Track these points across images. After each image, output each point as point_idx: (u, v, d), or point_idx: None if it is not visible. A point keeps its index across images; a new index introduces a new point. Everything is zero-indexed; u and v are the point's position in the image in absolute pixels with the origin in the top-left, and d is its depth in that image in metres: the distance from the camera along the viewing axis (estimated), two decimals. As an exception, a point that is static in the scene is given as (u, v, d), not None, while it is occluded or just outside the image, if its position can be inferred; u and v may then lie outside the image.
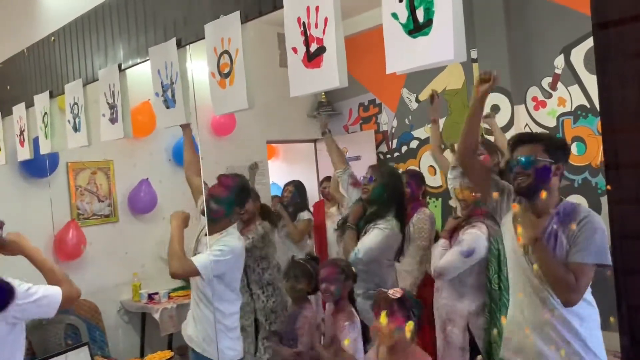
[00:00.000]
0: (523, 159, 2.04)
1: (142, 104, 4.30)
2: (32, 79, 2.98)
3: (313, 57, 1.60)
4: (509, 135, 4.65)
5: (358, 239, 3.06)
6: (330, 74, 1.56)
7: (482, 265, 2.76)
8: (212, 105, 1.95)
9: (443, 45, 1.31)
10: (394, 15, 1.40)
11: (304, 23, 1.62)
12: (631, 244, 1.06)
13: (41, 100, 2.84)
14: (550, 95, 4.56)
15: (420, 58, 1.36)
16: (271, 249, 3.82)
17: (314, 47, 1.59)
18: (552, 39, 4.47)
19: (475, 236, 2.70)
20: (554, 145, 2.08)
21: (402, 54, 1.40)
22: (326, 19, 1.55)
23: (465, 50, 1.32)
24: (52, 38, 2.78)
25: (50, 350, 3.69)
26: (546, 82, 4.57)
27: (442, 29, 1.31)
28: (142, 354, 4.41)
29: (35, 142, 3.00)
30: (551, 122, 4.56)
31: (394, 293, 2.27)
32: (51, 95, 2.80)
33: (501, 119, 4.69)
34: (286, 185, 5.06)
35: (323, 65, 1.57)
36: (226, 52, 1.89)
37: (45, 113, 2.83)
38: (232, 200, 2.65)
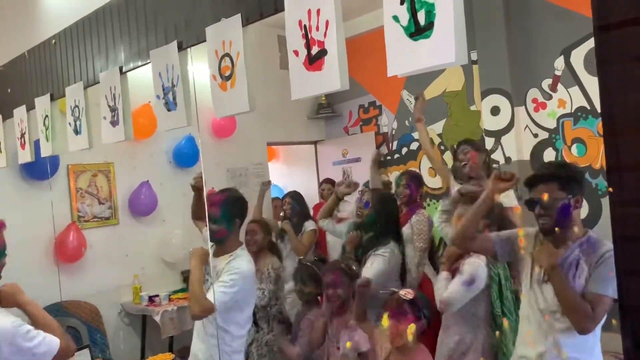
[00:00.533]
0: (542, 201, 2.03)
1: (143, 106, 4.30)
2: (33, 81, 2.98)
3: (314, 60, 1.60)
4: (509, 139, 4.68)
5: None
6: (332, 77, 1.56)
7: (486, 293, 2.74)
8: (214, 108, 1.95)
9: (444, 48, 1.31)
10: (395, 18, 1.40)
11: (305, 26, 1.62)
12: (633, 245, 1.06)
13: (42, 102, 2.85)
14: (550, 97, 4.57)
15: (422, 61, 1.36)
16: (281, 287, 3.75)
17: (315, 50, 1.59)
18: (552, 40, 4.48)
19: (475, 265, 2.64)
20: (569, 179, 2.07)
21: (404, 57, 1.40)
22: (327, 22, 1.55)
23: (467, 53, 1.32)
24: (53, 41, 2.78)
25: (51, 353, 3.69)
26: (546, 83, 4.57)
27: (443, 32, 1.31)
28: (143, 356, 4.41)
29: (36, 145, 3.00)
30: (551, 124, 4.56)
31: (406, 294, 2.30)
32: (52, 98, 2.81)
33: (501, 121, 4.70)
34: (284, 197, 5.03)
35: (324, 68, 1.57)
36: (227, 54, 1.89)
37: (46, 116, 2.83)
38: (228, 213, 2.53)
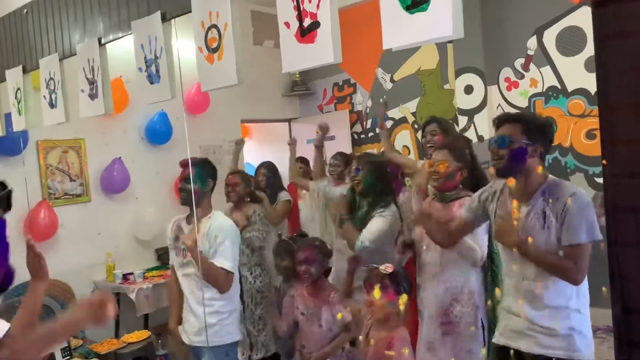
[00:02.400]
0: (498, 139, 2.04)
1: (114, 80, 4.17)
2: (3, 53, 2.87)
3: (307, 32, 1.59)
4: (481, 117, 4.76)
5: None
6: (325, 50, 1.55)
7: None
8: (199, 81, 1.93)
9: (441, 21, 1.32)
10: (392, -9, 1.40)
11: (297, -3, 1.60)
12: (624, 216, 1.10)
13: (13, 75, 2.75)
14: (522, 76, 4.65)
15: (418, 34, 1.37)
16: (263, 238, 3.83)
17: (307, 21, 1.58)
18: (525, 20, 4.54)
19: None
20: (533, 125, 2.06)
21: (399, 30, 1.41)
22: (320, -6, 1.54)
23: (462, 27, 1.34)
24: (25, 10, 2.67)
25: (24, 332, 3.62)
26: (519, 63, 4.65)
27: (440, 5, 1.32)
28: (117, 334, 4.37)
29: (7, 119, 2.91)
30: (523, 103, 4.65)
31: (386, 268, 2.32)
32: (24, 70, 2.71)
33: (474, 99, 4.77)
34: (258, 168, 5.02)
35: (317, 40, 1.57)
36: (214, 26, 1.86)
37: (18, 89, 2.74)
38: (202, 173, 2.74)
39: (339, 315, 2.51)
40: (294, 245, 3.09)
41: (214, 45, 1.86)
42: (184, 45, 2.06)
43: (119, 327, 4.50)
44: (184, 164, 2.78)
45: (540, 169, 2.07)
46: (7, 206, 0.91)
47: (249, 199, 3.85)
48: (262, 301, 3.71)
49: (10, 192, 0.70)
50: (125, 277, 4.41)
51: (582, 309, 2.05)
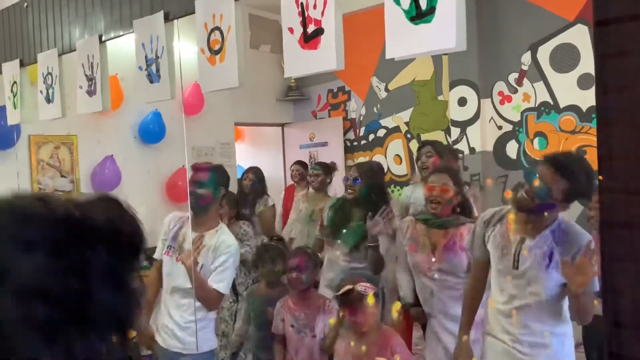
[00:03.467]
0: (541, 191, 1.96)
1: (109, 78, 4.17)
2: (1, 46, 2.85)
3: (310, 38, 1.60)
4: (474, 130, 4.79)
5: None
6: (328, 56, 1.57)
7: None
8: (200, 82, 1.93)
9: (445, 33, 1.34)
10: (397, 1, 1.42)
11: (301, 3, 1.62)
12: (619, 231, 1.12)
13: (10, 68, 2.74)
14: (515, 91, 4.70)
15: (421, 45, 1.39)
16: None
17: (311, 28, 1.60)
18: (520, 35, 4.60)
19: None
20: (578, 185, 1.97)
21: (403, 40, 1.42)
22: (325, 1, 1.56)
23: (465, 40, 1.36)
24: (25, 4, 2.66)
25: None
26: (513, 77, 4.70)
27: (444, 17, 1.34)
28: (102, 334, 4.33)
29: (2, 113, 2.89)
30: (515, 117, 4.70)
31: (366, 290, 2.33)
32: (22, 64, 2.70)
33: (467, 112, 4.81)
34: (245, 172, 5.01)
35: (320, 46, 1.58)
36: (217, 28, 1.87)
37: (15, 82, 2.72)
38: (215, 179, 2.60)
39: (331, 321, 2.51)
40: (282, 249, 3.08)
41: (217, 47, 1.87)
42: (183, 46, 2.07)
43: (104, 326, 4.47)
44: (195, 168, 2.68)
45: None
46: None
47: (234, 218, 3.81)
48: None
49: None
50: (112, 275, 4.37)
51: (567, 333, 2.10)
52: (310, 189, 4.42)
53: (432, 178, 2.69)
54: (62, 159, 4.40)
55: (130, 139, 4.89)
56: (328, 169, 4.29)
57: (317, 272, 2.89)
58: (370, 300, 2.25)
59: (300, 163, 4.94)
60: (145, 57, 2.11)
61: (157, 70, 2.08)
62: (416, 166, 3.79)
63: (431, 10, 1.36)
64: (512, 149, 4.72)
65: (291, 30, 1.65)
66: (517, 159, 4.68)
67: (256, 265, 3.27)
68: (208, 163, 2.76)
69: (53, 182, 4.34)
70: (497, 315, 2.15)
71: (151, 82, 2.12)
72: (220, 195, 2.67)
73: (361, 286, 2.36)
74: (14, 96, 2.73)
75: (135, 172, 4.78)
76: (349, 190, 3.11)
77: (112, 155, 4.61)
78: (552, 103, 4.51)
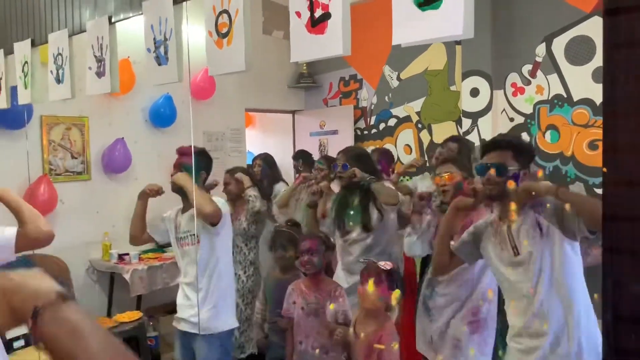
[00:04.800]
0: (494, 167, 2.08)
1: (121, 61, 4.17)
2: (13, 25, 2.86)
3: (317, 23, 1.59)
4: (485, 121, 4.76)
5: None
6: (334, 41, 1.55)
7: None
8: (207, 65, 1.93)
9: (452, 20, 1.32)
10: (405, -13, 1.40)
11: (309, -13, 1.60)
12: (622, 224, 1.11)
13: (22, 48, 2.74)
14: (529, 82, 4.65)
15: (428, 32, 1.37)
16: (262, 227, 3.86)
17: (318, 12, 1.58)
18: (535, 27, 4.54)
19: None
20: (522, 151, 2.14)
21: (410, 27, 1.41)
22: (333, -15, 1.54)
23: (473, 26, 1.34)
24: (37, -16, 2.67)
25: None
26: (526, 69, 4.65)
27: (452, 4, 1.32)
28: (110, 314, 4.39)
29: (13, 92, 2.90)
30: (528, 109, 4.66)
31: (385, 265, 2.35)
32: (33, 44, 2.70)
33: (480, 103, 4.77)
34: (254, 159, 5.03)
35: (327, 31, 1.57)
36: (225, 11, 1.86)
37: (26, 62, 2.73)
38: (197, 163, 2.72)
39: (331, 306, 2.52)
40: (295, 235, 3.09)
41: (224, 30, 1.86)
42: (193, 29, 2.06)
43: (112, 307, 4.53)
44: (179, 152, 2.78)
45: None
46: None
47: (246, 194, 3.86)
48: (252, 301, 3.71)
49: None
50: (120, 257, 4.42)
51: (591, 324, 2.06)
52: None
53: (438, 170, 2.76)
54: (73, 140, 4.43)
55: (141, 122, 4.91)
56: (332, 162, 4.29)
57: (328, 255, 2.88)
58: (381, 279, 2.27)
59: (302, 152, 4.96)
60: (154, 39, 2.11)
61: (166, 52, 2.08)
62: (427, 156, 3.79)
63: (439, -4, 1.34)
64: (523, 141, 4.67)
65: (298, 14, 1.64)
66: (529, 151, 4.64)
67: (270, 250, 3.33)
68: (190, 146, 2.83)
69: (64, 163, 4.38)
70: (518, 317, 2.13)
71: (159, 64, 2.11)
72: (201, 179, 2.83)
73: (384, 263, 2.43)
74: (25, 76, 2.74)
75: (146, 155, 4.80)
76: (340, 176, 3.15)
77: (122, 137, 4.63)
78: (565, 96, 4.45)
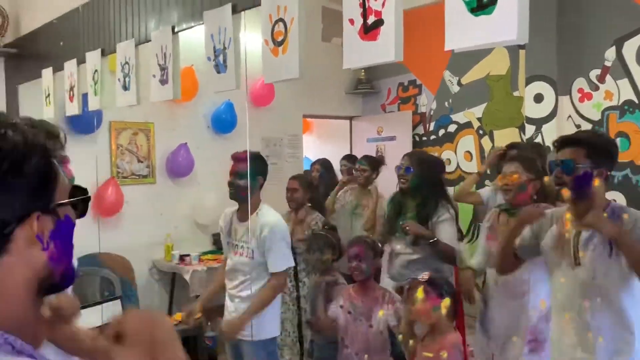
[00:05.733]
0: (561, 163, 1.97)
1: (185, 69, 4.35)
2: (84, 36, 3.04)
3: (370, 30, 1.60)
4: (550, 128, 4.59)
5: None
6: (387, 48, 1.56)
7: None
8: (263, 73, 1.98)
9: (506, 25, 1.30)
10: (458, -8, 1.39)
11: (363, -5, 1.61)
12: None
13: (93, 57, 2.91)
14: (597, 88, 4.45)
15: (481, 37, 1.36)
16: None
17: (371, 19, 1.59)
18: (604, 30, 4.35)
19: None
20: (599, 148, 1.99)
21: (463, 32, 1.40)
22: (386, -8, 1.55)
23: (528, 32, 1.31)
24: (108, -3, 2.83)
25: (86, 300, 3.84)
26: (594, 74, 4.46)
27: (506, 9, 1.30)
28: (170, 312, 4.54)
29: (84, 99, 3.08)
30: (595, 116, 4.46)
31: (423, 277, 2.34)
32: (103, 54, 2.86)
33: (544, 109, 4.61)
34: (312, 164, 5.06)
35: (380, 38, 1.58)
36: (281, 20, 1.90)
37: (96, 70, 2.89)
38: (253, 170, 2.70)
39: (380, 313, 2.51)
40: (332, 239, 3.11)
41: (280, 38, 1.90)
42: (251, 38, 2.12)
43: (172, 306, 4.69)
44: (235, 158, 2.81)
45: (603, 194, 1.99)
46: (83, 211, 0.88)
47: (309, 204, 3.81)
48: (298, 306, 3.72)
49: (89, 198, 0.75)
50: (182, 258, 4.57)
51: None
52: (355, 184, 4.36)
53: (504, 168, 2.68)
54: (139, 144, 4.63)
55: (203, 128, 5.07)
56: (375, 163, 4.25)
57: (377, 261, 2.86)
58: (421, 293, 2.23)
59: (349, 157, 4.95)
60: (214, 47, 2.18)
61: (224, 60, 2.15)
62: (485, 162, 3.70)
63: (492, 1, 1.32)
64: (590, 149, 4.48)
65: (351, 21, 1.66)
66: (596, 159, 4.44)
67: (307, 253, 3.34)
68: (246, 152, 2.80)
69: (130, 166, 4.58)
70: (562, 323, 2.05)
71: (218, 72, 2.19)
72: (258, 184, 2.78)
73: (422, 274, 2.40)
74: (95, 84, 2.90)
75: (208, 160, 4.94)
76: (401, 180, 3.08)
77: (186, 143, 4.80)
78: (637, 102, 4.23)
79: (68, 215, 0.81)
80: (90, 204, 0.92)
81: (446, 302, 2.23)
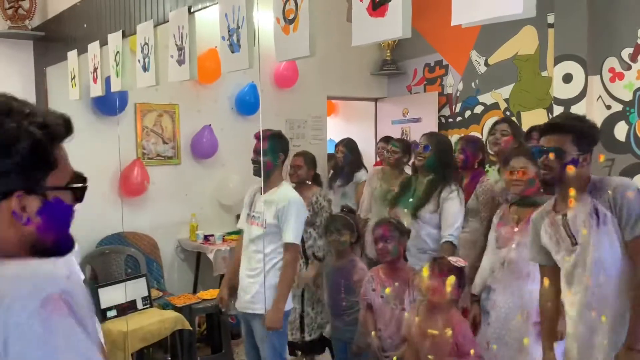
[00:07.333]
0: (549, 151, 1.98)
1: (209, 50, 4.38)
2: (107, 18, 3.09)
3: (378, 6, 1.58)
4: (579, 109, 4.47)
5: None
6: (394, 24, 1.54)
7: None
8: (275, 51, 1.98)
9: (512, -2, 1.27)
10: (464, -35, 1.36)
11: (371, -30, 1.59)
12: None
13: (114, 39, 2.95)
14: (629, 67, 4.31)
15: (487, 11, 1.33)
16: (321, 215, 3.87)
17: (379, -5, 1.58)
18: (637, 5, 4.19)
19: None
20: (583, 134, 2.00)
21: (470, 6, 1.37)
22: (395, -33, 1.52)
23: (535, 6, 1.28)
24: (128, -21, 2.85)
25: (111, 278, 3.95)
26: (626, 52, 4.31)
27: (512, -19, 1.27)
28: (195, 290, 4.64)
29: (107, 80, 3.13)
30: (627, 96, 4.32)
31: (458, 262, 2.33)
32: (124, 35, 2.90)
33: (573, 89, 4.48)
34: (337, 145, 5.04)
35: (387, 14, 1.56)
36: (292, -3, 1.89)
37: (118, 52, 2.93)
38: (274, 147, 2.84)
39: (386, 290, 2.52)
40: (351, 220, 3.11)
41: (291, 16, 1.90)
42: (266, 16, 2.12)
43: (197, 284, 4.78)
44: (257, 137, 2.86)
45: (588, 177, 2.02)
46: (80, 198, 0.95)
47: (310, 182, 3.83)
48: (321, 285, 3.74)
49: (86, 187, 0.88)
50: (206, 237, 4.65)
51: None
52: (386, 166, 4.22)
53: (512, 163, 2.67)
54: (164, 126, 4.70)
55: (227, 109, 5.11)
56: (407, 147, 4.18)
57: (404, 241, 2.83)
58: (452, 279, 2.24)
59: (388, 139, 4.89)
60: (228, 27, 2.19)
61: (238, 40, 2.16)
62: (487, 141, 3.66)
63: (499, -27, 1.29)
64: (620, 130, 4.35)
65: (360, -2, 1.64)
66: (627, 141, 4.31)
67: (325, 235, 3.35)
68: (268, 130, 2.91)
69: (156, 147, 4.66)
70: (573, 307, 2.04)
71: (232, 52, 2.20)
72: (280, 161, 2.87)
73: (456, 259, 2.42)
74: (117, 65, 2.95)
75: (232, 142, 4.99)
76: (418, 157, 3.14)
77: (210, 124, 4.85)
78: (671, 81, 4.09)
79: (60, 197, 0.92)
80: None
81: (451, 279, 2.23)
